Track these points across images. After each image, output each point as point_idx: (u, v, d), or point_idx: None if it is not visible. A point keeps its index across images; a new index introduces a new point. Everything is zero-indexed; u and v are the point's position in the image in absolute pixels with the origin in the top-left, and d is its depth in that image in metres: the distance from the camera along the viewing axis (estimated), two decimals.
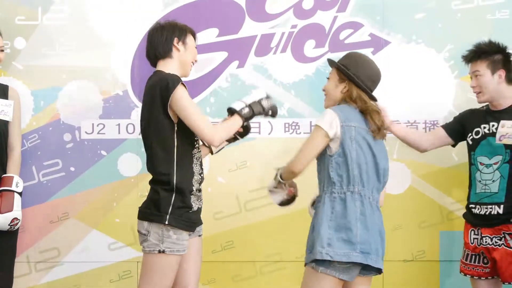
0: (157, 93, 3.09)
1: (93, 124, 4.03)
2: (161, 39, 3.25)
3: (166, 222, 3.13)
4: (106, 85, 4.02)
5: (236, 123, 3.24)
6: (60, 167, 4.02)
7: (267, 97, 3.30)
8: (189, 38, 3.30)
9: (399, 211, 4.03)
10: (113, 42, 4.02)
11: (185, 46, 3.27)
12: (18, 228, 3.70)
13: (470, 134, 3.62)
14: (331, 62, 3.29)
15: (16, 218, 3.57)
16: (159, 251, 3.15)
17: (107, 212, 4.04)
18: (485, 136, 3.56)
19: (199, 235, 3.36)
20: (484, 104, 3.66)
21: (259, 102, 3.26)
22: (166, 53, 3.25)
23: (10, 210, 3.56)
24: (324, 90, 3.28)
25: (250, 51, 4.04)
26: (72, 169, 4.02)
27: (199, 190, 3.26)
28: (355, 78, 3.16)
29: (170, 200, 3.15)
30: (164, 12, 4.01)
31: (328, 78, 3.28)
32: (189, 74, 3.33)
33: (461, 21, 4.02)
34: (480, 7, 4.03)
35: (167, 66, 3.24)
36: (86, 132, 4.03)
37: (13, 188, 3.60)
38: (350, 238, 3.06)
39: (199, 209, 3.28)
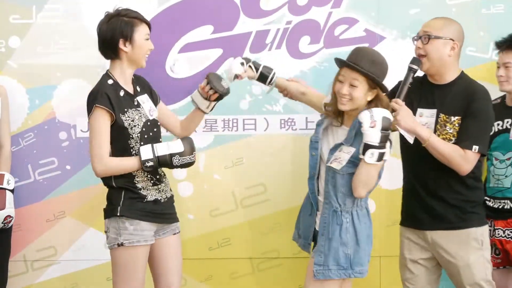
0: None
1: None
2: (106, 40, 3.20)
3: (118, 214, 3.17)
4: None
5: (130, 167, 3.18)
6: (56, 166, 4.01)
7: (183, 155, 3.16)
8: (138, 32, 3.19)
9: (395, 207, 3.99)
10: None
11: (133, 45, 3.18)
12: (11, 227, 3.69)
13: None
14: (356, 68, 3.18)
15: (9, 216, 3.55)
16: (118, 245, 3.18)
17: (103, 210, 4.03)
18: (499, 132, 3.60)
19: (174, 233, 3.37)
20: (498, 96, 3.66)
21: (170, 156, 3.15)
22: (114, 56, 3.23)
23: (3, 208, 3.54)
24: (347, 95, 3.19)
25: (245, 48, 4.03)
26: (68, 167, 4.02)
27: (156, 183, 3.25)
28: (386, 88, 3.24)
29: (120, 193, 3.20)
30: (158, 10, 4.00)
31: (353, 85, 3.18)
32: (145, 64, 3.27)
33: (456, 16, 3.98)
34: (475, 2, 4.02)
35: (116, 68, 3.26)
36: (81, 130, 4.02)
37: (4, 185, 3.58)
38: (370, 250, 3.29)
39: (161, 201, 3.28)
